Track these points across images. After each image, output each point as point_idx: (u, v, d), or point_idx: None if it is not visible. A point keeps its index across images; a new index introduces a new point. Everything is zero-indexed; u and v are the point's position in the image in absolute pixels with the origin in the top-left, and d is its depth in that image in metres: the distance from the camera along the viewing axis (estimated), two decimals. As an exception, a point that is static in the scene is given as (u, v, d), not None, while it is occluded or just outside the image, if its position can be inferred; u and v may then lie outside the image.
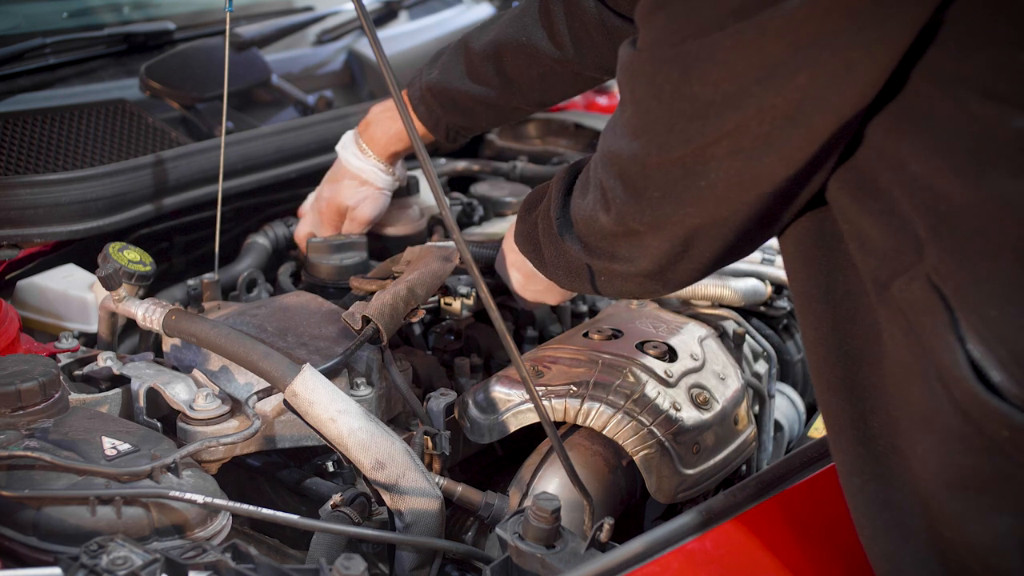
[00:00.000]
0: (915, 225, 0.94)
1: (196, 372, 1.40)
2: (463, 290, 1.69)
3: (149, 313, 1.40)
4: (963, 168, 0.91)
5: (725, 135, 0.95)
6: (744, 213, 1.02)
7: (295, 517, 1.17)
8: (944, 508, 0.96)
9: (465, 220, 2.02)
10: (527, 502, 1.33)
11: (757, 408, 1.65)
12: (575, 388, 1.39)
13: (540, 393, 1.36)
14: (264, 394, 1.33)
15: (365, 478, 1.25)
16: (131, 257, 1.48)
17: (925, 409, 0.96)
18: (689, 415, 1.40)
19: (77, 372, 1.43)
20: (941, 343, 0.92)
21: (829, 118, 0.93)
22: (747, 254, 1.13)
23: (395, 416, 1.48)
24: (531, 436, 1.44)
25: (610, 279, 1.21)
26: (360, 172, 1.74)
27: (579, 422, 1.39)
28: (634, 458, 1.37)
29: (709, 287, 1.67)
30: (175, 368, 1.45)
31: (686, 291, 1.67)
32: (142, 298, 1.46)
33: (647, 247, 1.10)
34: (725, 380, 1.50)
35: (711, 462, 1.43)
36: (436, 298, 1.68)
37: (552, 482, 1.34)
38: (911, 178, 0.94)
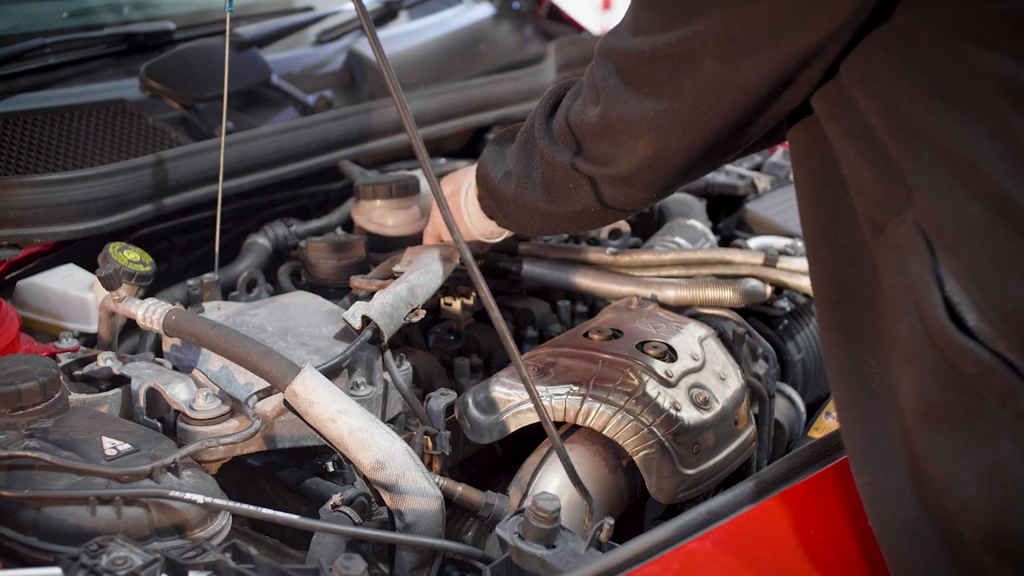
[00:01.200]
0: (904, 171, 0.99)
1: (196, 372, 1.40)
2: (463, 290, 1.69)
3: (149, 313, 1.40)
4: (949, 113, 0.96)
5: (712, 37, 1.03)
6: (716, 120, 1.09)
7: (295, 517, 1.17)
8: (920, 442, 1.02)
9: (465, 220, 2.02)
10: (527, 502, 1.33)
11: (757, 408, 1.65)
12: (575, 388, 1.39)
13: (540, 393, 1.36)
14: (264, 394, 1.33)
15: (365, 478, 1.25)
16: (131, 257, 1.48)
17: (909, 347, 1.02)
18: (689, 415, 1.41)
19: (77, 372, 1.43)
20: (922, 284, 0.98)
21: (811, 35, 0.99)
22: (713, 167, 1.24)
23: (395, 416, 1.48)
24: (531, 436, 1.44)
25: (578, 187, 1.27)
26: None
27: (579, 422, 1.39)
28: (634, 458, 1.37)
29: (709, 288, 1.67)
30: (175, 368, 1.45)
31: (686, 294, 1.67)
32: (142, 298, 1.46)
33: (623, 146, 1.17)
34: (725, 380, 1.50)
35: (711, 462, 1.43)
36: (436, 298, 1.68)
37: (552, 482, 1.34)
38: (901, 121, 0.99)
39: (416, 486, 1.23)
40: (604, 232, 1.99)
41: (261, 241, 1.86)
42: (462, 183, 1.53)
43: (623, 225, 2.04)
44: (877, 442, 1.09)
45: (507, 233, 1.55)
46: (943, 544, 1.04)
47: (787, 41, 1.00)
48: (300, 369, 1.27)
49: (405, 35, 2.55)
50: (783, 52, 1.01)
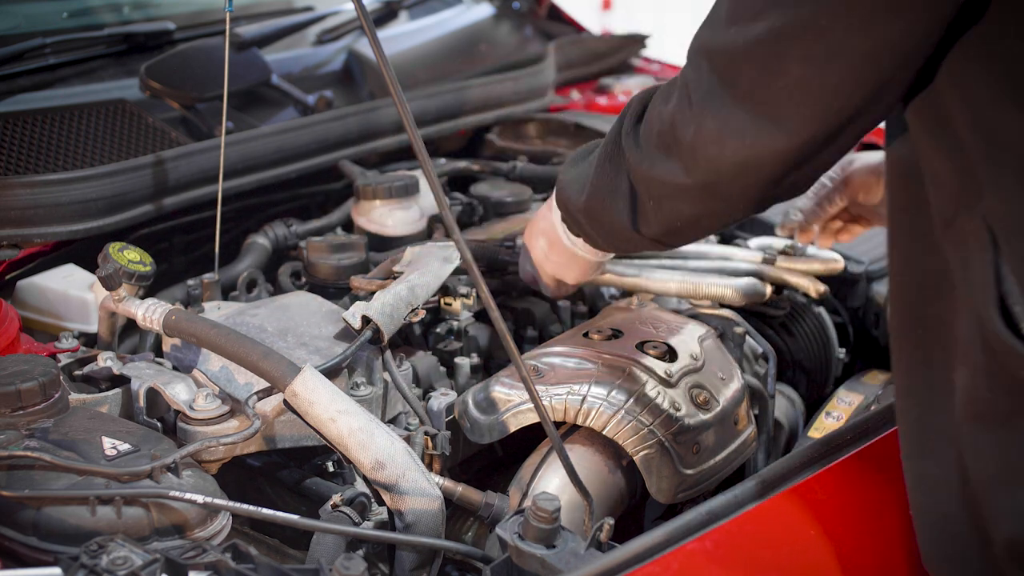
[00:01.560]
0: (977, 165, 0.99)
1: (196, 372, 1.40)
2: (463, 290, 1.69)
3: (149, 313, 1.40)
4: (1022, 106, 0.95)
5: (800, 30, 0.98)
6: (809, 125, 1.04)
7: (295, 517, 1.17)
8: (965, 439, 1.02)
9: (465, 220, 2.02)
10: (527, 502, 1.33)
11: (757, 408, 1.65)
12: (575, 388, 1.39)
13: (540, 393, 1.36)
14: (264, 394, 1.33)
15: (365, 478, 1.25)
16: (131, 257, 1.48)
17: (964, 343, 1.02)
18: (689, 415, 1.41)
19: (77, 372, 1.43)
20: (981, 280, 0.98)
21: (902, 34, 0.97)
22: (807, 182, 1.15)
23: (395, 416, 1.48)
24: (531, 436, 1.44)
25: (661, 196, 1.20)
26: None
27: (579, 422, 1.39)
28: (634, 458, 1.37)
29: (709, 287, 1.67)
30: (175, 368, 1.45)
31: (687, 289, 1.67)
32: (142, 298, 1.46)
33: (711, 153, 1.11)
34: (725, 380, 1.50)
35: (711, 462, 1.43)
36: (436, 298, 1.68)
37: (552, 482, 1.34)
38: (977, 116, 0.98)
39: (416, 486, 1.23)
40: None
41: (261, 241, 1.85)
42: (547, 220, 1.47)
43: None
44: (930, 434, 1.10)
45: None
46: (975, 544, 1.04)
47: (881, 31, 0.97)
48: (300, 369, 1.27)
49: (405, 35, 2.55)
50: (875, 44, 0.97)
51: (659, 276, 1.68)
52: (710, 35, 1.10)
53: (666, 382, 1.42)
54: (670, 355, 1.47)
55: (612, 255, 1.52)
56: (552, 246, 1.49)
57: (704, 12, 1.16)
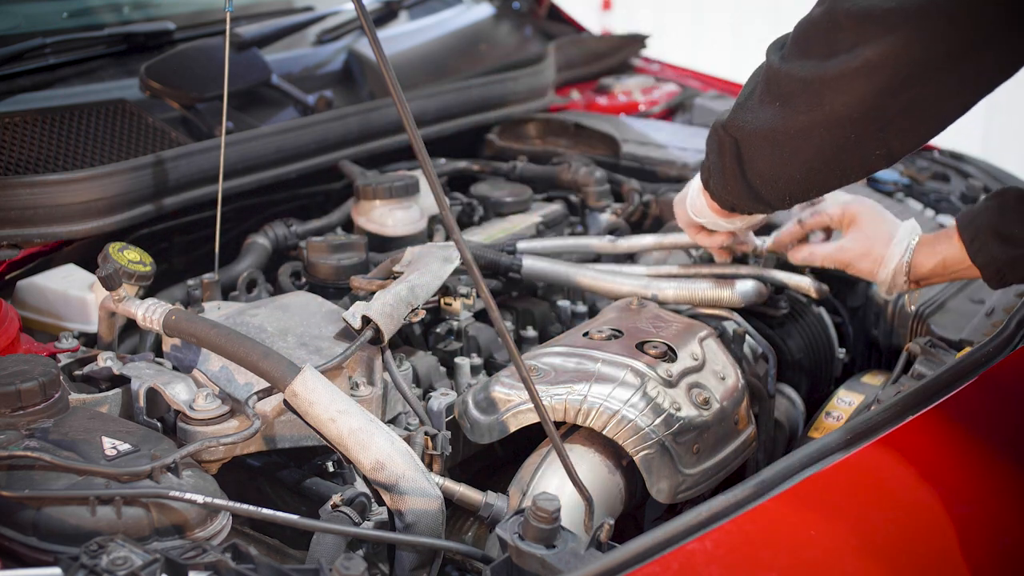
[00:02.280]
0: None
1: (196, 372, 1.40)
2: (463, 290, 1.69)
3: (149, 313, 1.40)
4: None
5: None
6: (945, 22, 1.07)
7: (295, 517, 1.17)
8: None
9: (465, 220, 2.02)
10: (527, 502, 1.33)
11: (757, 408, 1.65)
12: (575, 388, 1.39)
13: (540, 393, 1.36)
14: (264, 394, 1.33)
15: (365, 478, 1.25)
16: (131, 257, 1.48)
17: None
18: (689, 415, 1.41)
19: (77, 372, 1.43)
20: None
21: None
22: (924, 122, 1.17)
23: (395, 416, 1.48)
24: (531, 436, 1.44)
25: (805, 96, 1.21)
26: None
27: (579, 422, 1.39)
28: (634, 458, 1.37)
29: (709, 289, 1.67)
30: (175, 368, 1.45)
31: (686, 293, 1.67)
32: (142, 298, 1.46)
33: (843, 43, 1.13)
34: (725, 380, 1.50)
35: (711, 462, 1.43)
36: (436, 298, 1.68)
37: (552, 482, 1.34)
38: None
39: (416, 486, 1.23)
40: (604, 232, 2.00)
41: (261, 241, 1.86)
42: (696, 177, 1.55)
43: (622, 225, 2.04)
44: None
45: (731, 220, 1.53)
46: None
47: None
48: (300, 369, 1.27)
49: (405, 35, 2.55)
50: None
51: (656, 284, 1.68)
52: None
53: (666, 382, 1.42)
54: (670, 355, 1.47)
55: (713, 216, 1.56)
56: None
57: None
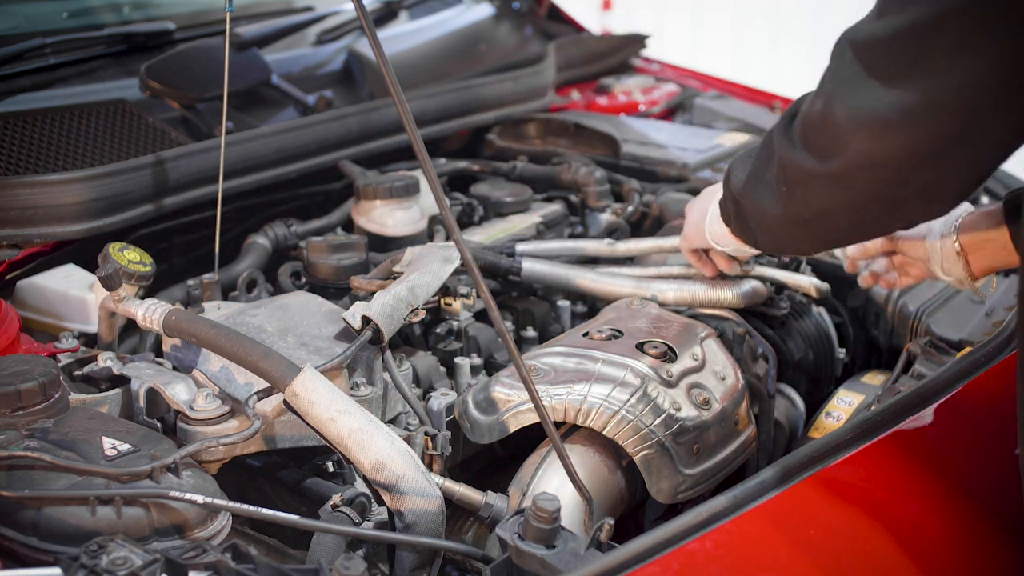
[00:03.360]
0: None
1: (196, 372, 1.40)
2: (463, 290, 1.69)
3: (149, 313, 1.40)
4: None
5: (945, 21, 1.00)
6: (945, 119, 1.05)
7: (295, 517, 1.17)
8: None
9: (465, 220, 2.02)
10: (527, 502, 1.33)
11: (757, 408, 1.65)
12: (575, 388, 1.39)
13: (540, 393, 1.36)
14: (264, 394, 1.33)
15: (365, 478, 1.25)
16: (131, 257, 1.48)
17: None
18: (689, 415, 1.41)
19: (77, 372, 1.43)
20: None
21: None
22: (942, 197, 1.14)
23: (395, 416, 1.48)
24: (531, 436, 1.44)
25: (795, 182, 1.21)
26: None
27: (579, 422, 1.39)
28: (634, 458, 1.37)
29: (709, 289, 1.67)
30: (175, 368, 1.45)
31: (686, 295, 1.67)
32: (142, 298, 1.46)
33: (839, 141, 1.12)
34: (725, 380, 1.50)
35: (711, 462, 1.43)
36: (436, 298, 1.68)
37: (552, 482, 1.34)
38: None
39: (416, 486, 1.23)
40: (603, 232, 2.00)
41: (261, 241, 1.86)
42: (714, 196, 1.54)
43: (622, 225, 2.04)
44: None
45: (748, 251, 1.53)
46: None
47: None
48: (300, 369, 1.27)
49: (405, 35, 2.55)
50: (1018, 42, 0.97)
51: (656, 286, 1.68)
52: (856, 28, 1.12)
53: (666, 382, 1.42)
54: (670, 355, 1.47)
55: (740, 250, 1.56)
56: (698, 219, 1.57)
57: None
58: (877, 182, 1.12)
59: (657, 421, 1.37)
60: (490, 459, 1.60)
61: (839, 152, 1.12)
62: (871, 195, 1.14)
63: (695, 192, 2.13)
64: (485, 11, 2.77)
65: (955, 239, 1.47)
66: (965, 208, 1.49)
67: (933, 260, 1.51)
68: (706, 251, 1.66)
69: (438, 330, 1.69)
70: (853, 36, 1.11)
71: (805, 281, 1.73)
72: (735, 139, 2.34)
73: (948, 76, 1.01)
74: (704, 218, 1.58)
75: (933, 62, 1.02)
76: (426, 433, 1.40)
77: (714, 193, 1.57)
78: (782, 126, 1.25)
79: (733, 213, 1.43)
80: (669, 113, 2.70)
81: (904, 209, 1.16)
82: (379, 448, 1.24)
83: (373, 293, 1.52)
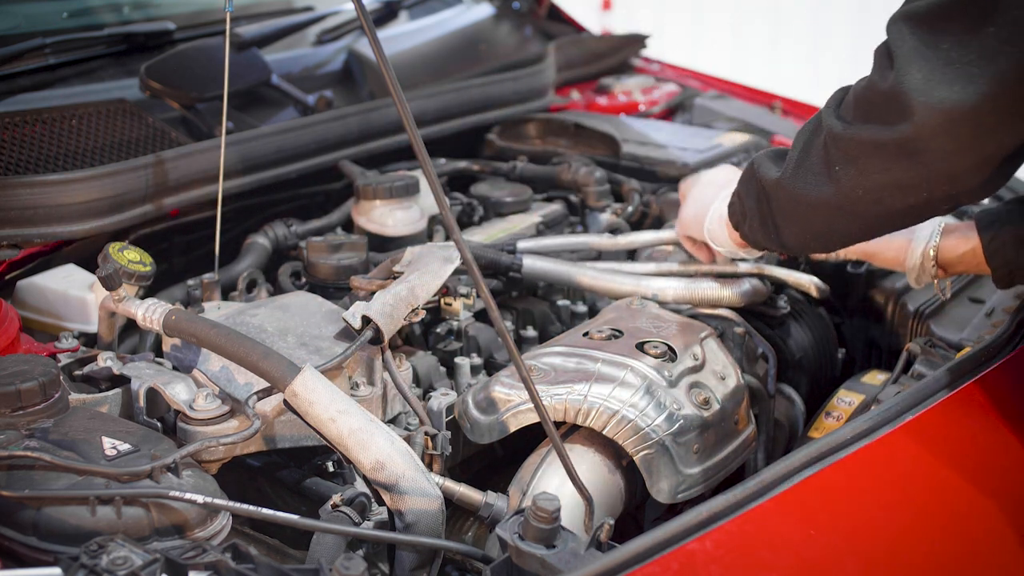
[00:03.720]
0: None
1: (196, 372, 1.40)
2: (463, 290, 1.69)
3: (149, 313, 1.40)
4: None
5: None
6: (1007, 85, 1.09)
7: (295, 517, 1.17)
8: None
9: (465, 220, 2.02)
10: (527, 502, 1.33)
11: (757, 408, 1.65)
12: (575, 388, 1.39)
13: (540, 393, 1.36)
14: (264, 394, 1.33)
15: (365, 478, 1.25)
16: (131, 257, 1.48)
17: None
18: (689, 415, 1.41)
19: (77, 372, 1.43)
20: None
21: None
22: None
23: (395, 416, 1.48)
24: (531, 436, 1.44)
25: (858, 156, 1.21)
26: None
27: (579, 422, 1.39)
28: (634, 458, 1.37)
29: (709, 288, 1.67)
30: (175, 368, 1.45)
31: (686, 293, 1.67)
32: (142, 298, 1.46)
33: (913, 107, 1.13)
34: (725, 380, 1.50)
35: (711, 462, 1.43)
36: (436, 298, 1.68)
37: (552, 482, 1.34)
38: None
39: (416, 486, 1.23)
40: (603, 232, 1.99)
41: (261, 241, 1.86)
42: (719, 191, 1.54)
43: (622, 225, 2.04)
44: None
45: (750, 253, 1.54)
46: None
47: None
48: (300, 369, 1.27)
49: (405, 35, 2.55)
50: None
51: (656, 284, 1.68)
52: (909, 6, 1.14)
53: (666, 382, 1.42)
54: (670, 355, 1.47)
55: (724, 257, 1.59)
56: (699, 212, 1.57)
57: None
58: (952, 152, 1.14)
59: (657, 421, 1.37)
60: (490, 459, 1.60)
61: (910, 116, 1.14)
62: (944, 161, 1.16)
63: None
64: (485, 11, 2.77)
65: (935, 245, 1.52)
66: (941, 220, 1.54)
67: (909, 262, 1.55)
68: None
69: (438, 330, 1.69)
70: (910, 11, 1.14)
71: (805, 280, 1.73)
72: (735, 139, 2.34)
73: (1011, 39, 1.04)
74: (704, 214, 1.58)
75: (989, 26, 1.05)
76: (426, 433, 1.40)
77: (718, 185, 1.57)
78: (829, 110, 1.26)
79: (753, 211, 1.43)
80: (669, 113, 2.70)
81: (957, 184, 1.17)
82: (379, 448, 1.24)
83: (373, 293, 1.52)
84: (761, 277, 1.70)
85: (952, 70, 1.09)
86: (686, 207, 1.66)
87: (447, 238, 1.94)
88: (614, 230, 2.04)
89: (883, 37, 1.20)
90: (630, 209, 2.08)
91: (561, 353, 1.47)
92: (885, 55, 1.18)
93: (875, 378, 1.72)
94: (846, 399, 1.66)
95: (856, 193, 1.24)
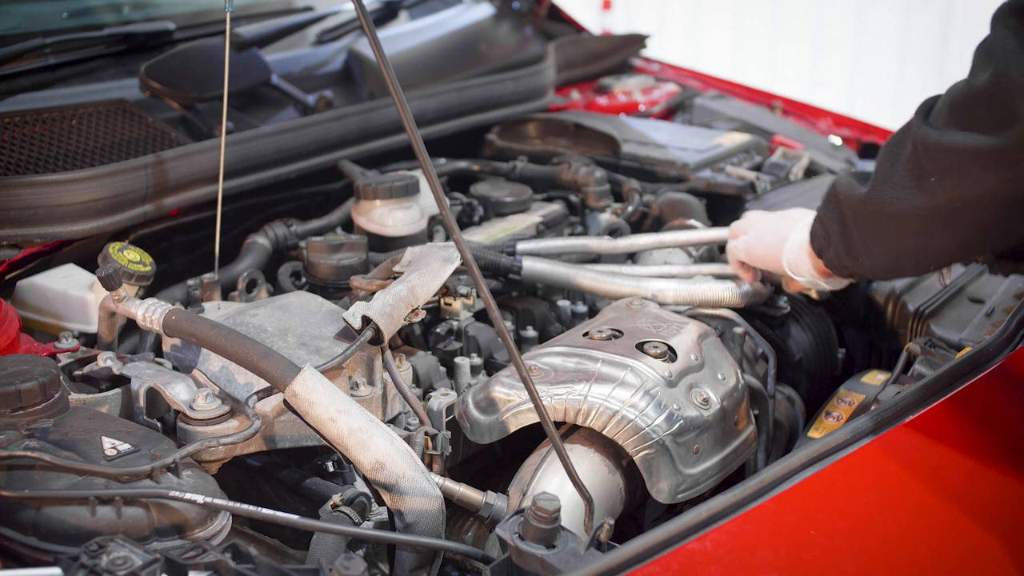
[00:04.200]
0: None
1: (196, 372, 1.40)
2: (463, 290, 1.69)
3: (149, 313, 1.40)
4: None
5: None
6: None
7: (295, 517, 1.17)
8: None
9: (465, 220, 2.02)
10: (527, 502, 1.33)
11: (757, 408, 1.65)
12: (575, 388, 1.39)
13: (540, 393, 1.36)
14: (264, 394, 1.33)
15: (365, 478, 1.26)
16: (131, 257, 1.48)
17: None
18: (689, 415, 1.41)
19: (77, 372, 1.43)
20: None
21: None
22: None
23: (395, 416, 1.48)
24: (531, 436, 1.44)
25: (950, 167, 1.14)
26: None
27: (579, 422, 1.39)
28: (634, 458, 1.37)
29: (709, 289, 1.67)
30: (175, 368, 1.45)
31: (685, 294, 1.67)
32: (142, 298, 1.46)
33: (1015, 109, 1.06)
34: (725, 380, 1.50)
35: (711, 462, 1.43)
36: (436, 298, 1.68)
37: (552, 482, 1.35)
38: None
39: (416, 486, 1.23)
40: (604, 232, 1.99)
41: (261, 241, 1.86)
42: (795, 223, 1.52)
43: (622, 225, 2.04)
44: None
45: (834, 282, 1.50)
46: None
47: None
48: (300, 369, 1.27)
49: (405, 35, 2.55)
50: None
51: (656, 285, 1.68)
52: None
53: (666, 382, 1.42)
54: (670, 355, 1.47)
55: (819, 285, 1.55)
56: (772, 247, 1.54)
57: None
58: None
59: (657, 421, 1.37)
60: (490, 459, 1.60)
61: (1013, 122, 1.06)
62: None
63: (695, 192, 2.14)
64: (485, 11, 2.77)
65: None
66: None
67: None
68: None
69: (438, 330, 1.69)
70: (1017, 4, 1.05)
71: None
72: (735, 139, 2.34)
73: None
74: (782, 242, 1.53)
75: None
76: (426, 433, 1.40)
77: (793, 219, 1.53)
78: (918, 118, 1.19)
79: (838, 235, 1.36)
80: (669, 113, 2.70)
81: None
82: (379, 448, 1.24)
83: (373, 293, 1.52)
84: (761, 278, 1.71)
85: None
86: (757, 238, 1.60)
87: (447, 238, 1.94)
88: (614, 230, 2.04)
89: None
90: (630, 209, 2.08)
91: (561, 353, 1.47)
92: (985, 53, 1.09)
93: (875, 378, 1.72)
94: (846, 399, 1.66)
95: (952, 203, 1.16)
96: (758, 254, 1.61)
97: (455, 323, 1.69)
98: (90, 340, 1.59)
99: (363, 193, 1.87)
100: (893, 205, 1.25)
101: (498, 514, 1.32)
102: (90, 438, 1.19)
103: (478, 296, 1.70)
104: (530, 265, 1.75)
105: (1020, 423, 1.41)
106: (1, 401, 1.18)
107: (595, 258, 1.93)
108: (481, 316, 1.74)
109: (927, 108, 1.21)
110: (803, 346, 1.80)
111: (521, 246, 1.81)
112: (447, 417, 1.44)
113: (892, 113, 4.66)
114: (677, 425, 1.38)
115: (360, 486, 1.33)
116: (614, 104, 2.67)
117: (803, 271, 1.52)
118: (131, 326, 1.60)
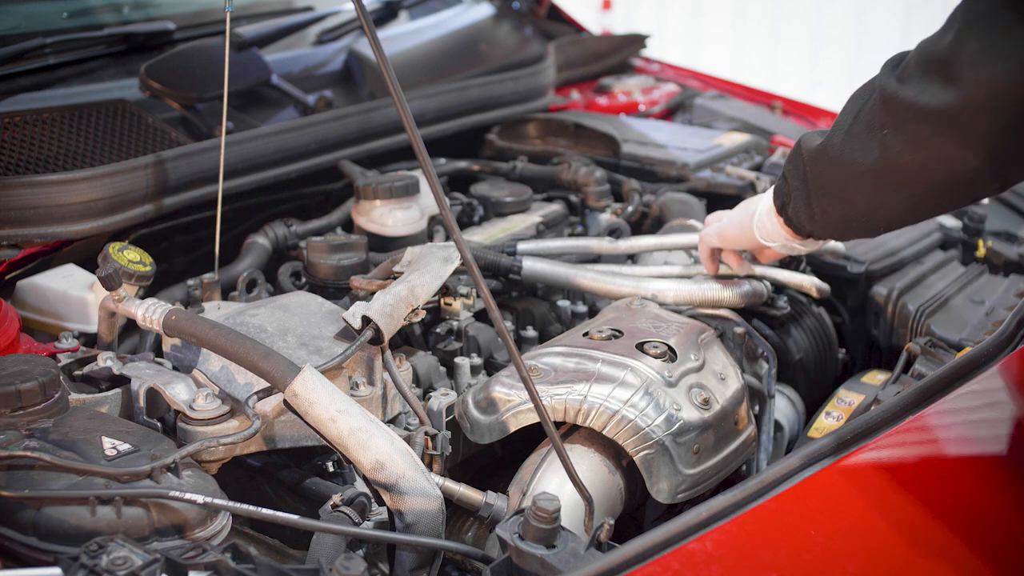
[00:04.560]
0: None
1: (196, 372, 1.40)
2: (463, 290, 1.69)
3: (149, 313, 1.40)
4: None
5: None
6: None
7: (295, 517, 1.17)
8: None
9: (465, 220, 2.02)
10: (527, 502, 1.33)
11: (757, 408, 1.65)
12: (575, 388, 1.39)
13: (540, 393, 1.36)
14: (264, 394, 1.33)
15: (365, 478, 1.26)
16: (131, 257, 1.48)
17: None
18: (689, 415, 1.41)
19: (77, 372, 1.43)
20: None
21: None
22: None
23: (395, 416, 1.48)
24: (531, 436, 1.44)
25: (906, 120, 1.15)
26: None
27: (579, 422, 1.39)
28: (634, 458, 1.37)
29: (709, 289, 1.67)
30: (175, 368, 1.45)
31: (685, 294, 1.67)
32: (142, 298, 1.46)
33: (965, 75, 1.08)
34: (725, 380, 1.50)
35: (711, 462, 1.43)
36: (436, 298, 1.68)
37: (552, 482, 1.35)
38: None
39: (416, 486, 1.23)
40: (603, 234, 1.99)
41: (261, 241, 1.86)
42: (760, 200, 1.53)
43: (622, 225, 2.04)
44: None
45: (807, 244, 1.50)
46: None
47: None
48: (300, 369, 1.27)
49: (405, 35, 2.56)
50: None
51: (656, 285, 1.68)
52: None
53: (666, 382, 1.42)
54: (670, 355, 1.48)
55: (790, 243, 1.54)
56: (742, 218, 1.54)
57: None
58: (997, 130, 1.09)
59: (657, 421, 1.37)
60: (490, 459, 1.60)
61: (962, 85, 1.08)
62: (983, 142, 1.10)
63: (695, 192, 2.14)
64: (485, 11, 2.77)
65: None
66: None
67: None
68: (720, 251, 1.67)
69: (438, 330, 1.69)
70: None
71: (806, 281, 1.73)
72: (735, 139, 2.34)
73: None
74: (751, 216, 1.55)
75: None
76: (426, 433, 1.40)
77: (758, 198, 1.56)
78: (886, 69, 1.20)
79: (799, 190, 1.38)
80: (669, 113, 2.70)
81: (1008, 166, 1.12)
82: (379, 448, 1.24)
83: (373, 293, 1.52)
84: (761, 278, 1.70)
85: (1011, 44, 1.03)
86: (729, 219, 1.61)
87: (447, 238, 1.94)
88: (614, 230, 2.04)
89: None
90: (630, 209, 2.08)
91: (561, 353, 1.47)
92: (954, 15, 1.11)
93: (875, 378, 1.72)
94: (846, 399, 1.66)
95: (903, 159, 1.18)
96: (731, 234, 1.61)
97: (455, 323, 1.69)
98: (90, 340, 1.59)
99: (363, 193, 1.87)
100: (849, 159, 1.26)
101: (498, 514, 1.32)
102: (90, 438, 1.19)
103: (478, 296, 1.70)
104: (530, 265, 1.75)
105: (1020, 423, 1.41)
106: (1, 401, 1.18)
107: (595, 258, 1.93)
108: (481, 316, 1.74)
109: (899, 59, 1.22)
110: (803, 346, 1.80)
111: (521, 246, 1.81)
112: (447, 417, 1.44)
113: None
114: (677, 425, 1.38)
115: (360, 486, 1.33)
116: (614, 104, 2.67)
117: (774, 235, 1.51)
118: (131, 326, 1.60)
